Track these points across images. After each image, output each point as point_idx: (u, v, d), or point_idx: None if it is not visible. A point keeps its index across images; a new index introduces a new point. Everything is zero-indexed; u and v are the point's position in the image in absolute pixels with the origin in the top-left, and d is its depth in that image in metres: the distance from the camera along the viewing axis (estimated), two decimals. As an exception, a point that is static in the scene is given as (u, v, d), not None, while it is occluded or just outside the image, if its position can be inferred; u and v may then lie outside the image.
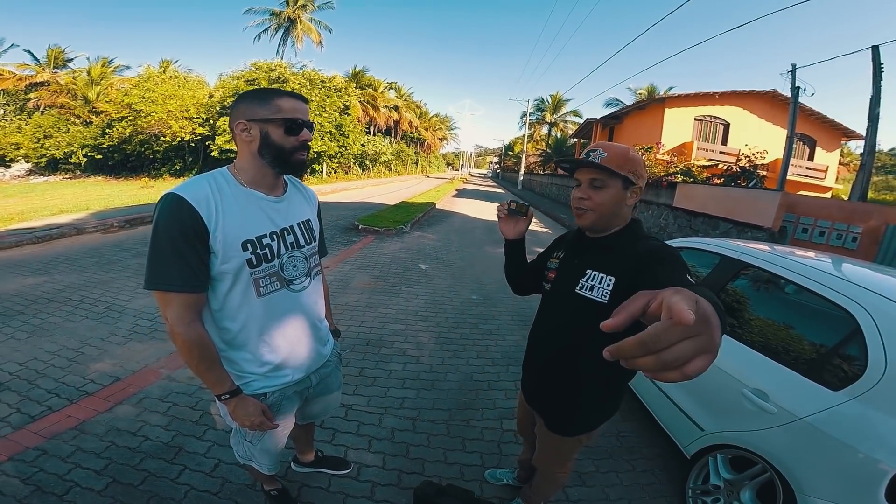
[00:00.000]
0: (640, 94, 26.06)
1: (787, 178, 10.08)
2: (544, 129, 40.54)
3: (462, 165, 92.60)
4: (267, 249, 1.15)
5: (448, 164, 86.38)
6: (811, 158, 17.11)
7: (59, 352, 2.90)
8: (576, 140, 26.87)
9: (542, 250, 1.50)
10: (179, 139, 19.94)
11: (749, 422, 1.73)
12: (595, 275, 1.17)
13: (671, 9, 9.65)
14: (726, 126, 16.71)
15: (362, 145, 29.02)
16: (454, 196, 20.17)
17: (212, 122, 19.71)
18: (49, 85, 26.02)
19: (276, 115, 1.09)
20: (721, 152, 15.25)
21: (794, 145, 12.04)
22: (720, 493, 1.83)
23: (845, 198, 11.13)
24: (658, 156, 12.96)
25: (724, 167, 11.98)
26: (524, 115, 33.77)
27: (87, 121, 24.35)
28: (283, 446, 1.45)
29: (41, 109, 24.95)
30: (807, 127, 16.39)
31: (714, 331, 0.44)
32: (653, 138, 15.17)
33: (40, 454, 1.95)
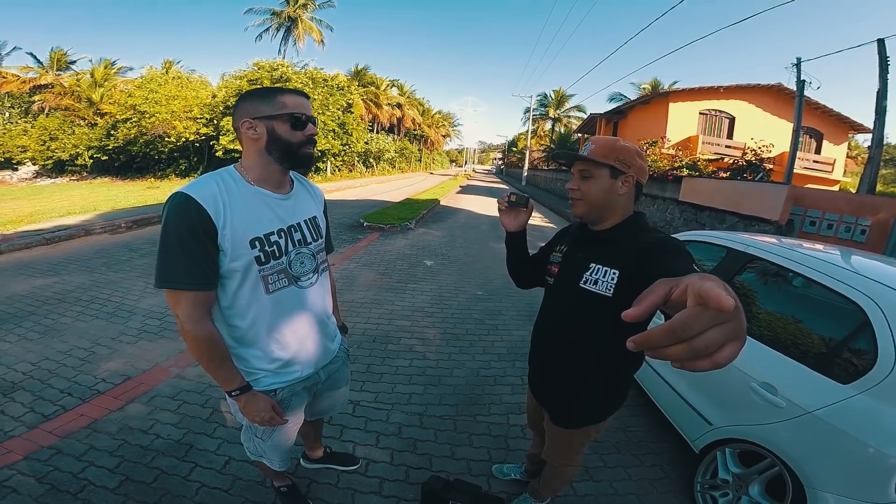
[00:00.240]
0: (643, 88, 25.81)
1: (795, 171, 9.98)
2: (548, 125, 40.34)
3: (466, 162, 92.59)
4: (275, 246, 1.16)
5: (452, 161, 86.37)
6: (818, 152, 16.89)
7: (70, 352, 2.94)
8: (580, 135, 26.73)
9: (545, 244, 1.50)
10: (184, 140, 20.07)
11: (757, 416, 1.72)
12: (599, 268, 1.18)
13: (674, 3, 9.53)
14: (732, 120, 16.52)
15: (366, 143, 29.03)
16: (458, 192, 20.13)
17: (216, 122, 19.76)
18: (53, 87, 26.23)
19: (281, 111, 1.10)
20: (727, 146, 15.08)
21: (801, 139, 11.91)
22: (729, 488, 1.82)
23: (853, 191, 11.00)
24: (663, 150, 12.86)
25: (730, 161, 11.84)
26: (527, 110, 33.68)
27: (92, 123, 24.51)
28: (293, 442, 1.47)
29: (46, 112, 25.16)
30: (813, 120, 16.15)
31: (742, 317, 0.43)
32: (657, 133, 15.03)
33: (55, 453, 1.99)
